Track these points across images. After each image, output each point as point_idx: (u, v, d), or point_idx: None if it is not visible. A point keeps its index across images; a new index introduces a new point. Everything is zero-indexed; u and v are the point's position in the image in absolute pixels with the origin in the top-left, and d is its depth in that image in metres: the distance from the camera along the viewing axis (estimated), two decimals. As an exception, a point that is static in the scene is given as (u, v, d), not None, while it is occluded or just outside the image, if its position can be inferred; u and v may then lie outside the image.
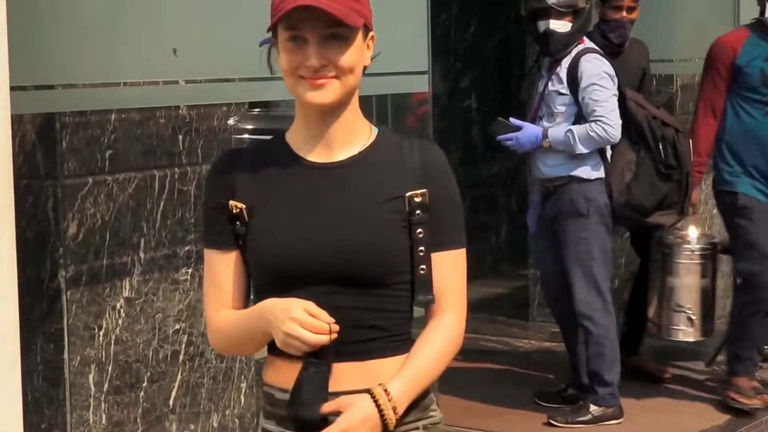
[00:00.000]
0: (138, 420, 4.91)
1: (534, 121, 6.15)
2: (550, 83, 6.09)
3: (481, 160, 9.55)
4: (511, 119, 6.11)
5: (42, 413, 4.48)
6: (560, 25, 6.02)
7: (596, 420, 6.11)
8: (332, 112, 2.67)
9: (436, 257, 2.69)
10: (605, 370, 6.11)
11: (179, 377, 5.04)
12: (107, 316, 4.81)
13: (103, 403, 4.80)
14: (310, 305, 2.57)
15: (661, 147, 6.11)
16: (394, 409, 2.60)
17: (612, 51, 6.47)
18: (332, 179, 2.70)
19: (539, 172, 6.14)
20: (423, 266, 2.67)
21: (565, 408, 6.26)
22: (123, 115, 4.79)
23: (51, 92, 4.32)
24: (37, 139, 4.41)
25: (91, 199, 4.72)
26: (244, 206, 2.71)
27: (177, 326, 5.03)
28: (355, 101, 2.73)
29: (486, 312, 8.45)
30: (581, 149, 5.92)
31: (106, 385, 4.80)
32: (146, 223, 4.91)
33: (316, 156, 2.71)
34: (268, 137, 2.87)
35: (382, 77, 5.31)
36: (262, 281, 2.72)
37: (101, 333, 4.79)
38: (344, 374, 2.64)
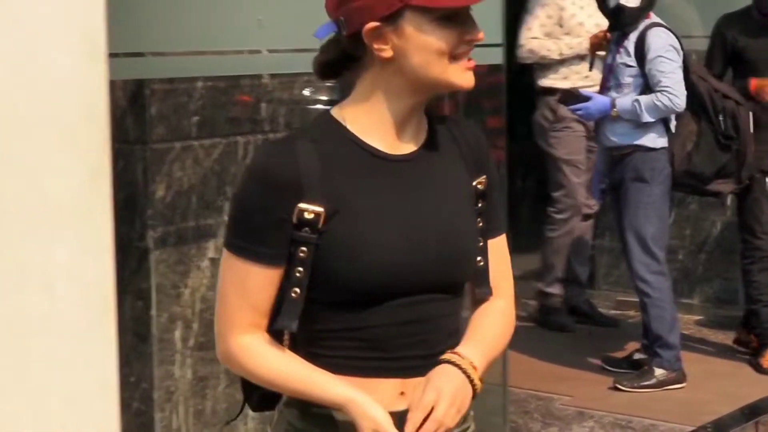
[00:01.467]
0: (221, 376, 4.99)
1: (602, 91, 6.30)
2: (618, 56, 6.23)
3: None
4: (581, 90, 6.22)
5: (131, 366, 4.57)
6: (631, 1, 6.11)
7: (661, 384, 6.17)
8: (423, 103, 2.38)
9: (495, 243, 2.46)
10: (667, 333, 6.18)
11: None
12: (193, 275, 4.91)
13: (188, 359, 4.90)
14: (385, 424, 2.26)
15: (721, 119, 6.22)
16: (479, 373, 2.32)
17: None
18: (411, 175, 2.35)
19: (607, 140, 6.25)
20: (481, 258, 2.42)
21: (631, 373, 6.31)
22: (209, 83, 4.89)
23: (141, 59, 4.41)
24: (128, 105, 4.49)
25: (178, 163, 4.81)
26: (321, 210, 2.24)
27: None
28: None
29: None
30: (647, 118, 6.03)
31: (191, 342, 4.90)
32: (230, 186, 4.98)
33: (385, 146, 2.34)
34: (312, 124, 2.47)
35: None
36: (344, 294, 2.30)
37: (187, 291, 4.89)
38: (418, 385, 2.33)
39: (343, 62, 2.32)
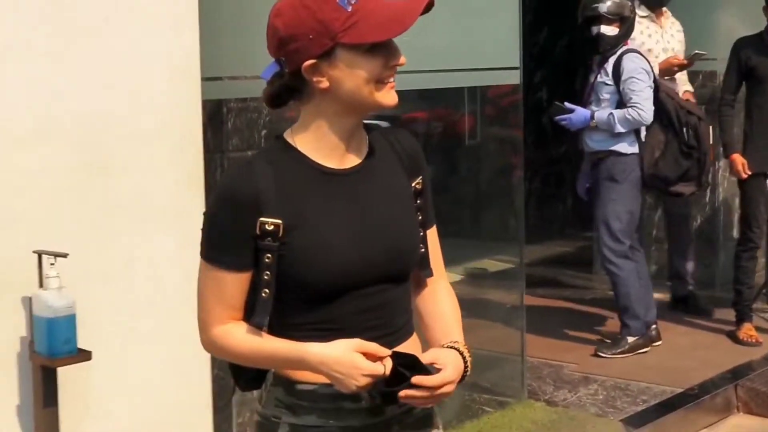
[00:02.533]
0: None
1: (585, 105, 6.45)
2: (598, 75, 6.40)
3: (550, 142, 9.67)
4: (566, 103, 6.41)
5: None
6: (609, 30, 6.34)
7: (632, 349, 6.36)
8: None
9: (430, 233, 2.49)
10: (634, 306, 6.36)
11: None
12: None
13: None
14: (365, 346, 2.22)
15: (685, 131, 6.40)
16: (469, 353, 2.37)
17: None
18: (358, 185, 2.34)
19: (587, 146, 6.46)
20: (422, 245, 2.43)
21: (607, 341, 6.50)
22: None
23: (220, 83, 4.50)
24: (209, 121, 4.59)
25: (250, 169, 4.92)
26: (279, 222, 2.23)
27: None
28: None
29: (556, 267, 8.62)
30: (619, 129, 6.24)
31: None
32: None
33: (333, 163, 2.32)
34: (267, 147, 2.54)
35: (479, 72, 5.50)
36: (310, 293, 2.29)
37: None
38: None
39: (287, 94, 2.30)
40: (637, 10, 6.77)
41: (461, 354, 2.33)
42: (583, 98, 6.56)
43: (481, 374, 5.77)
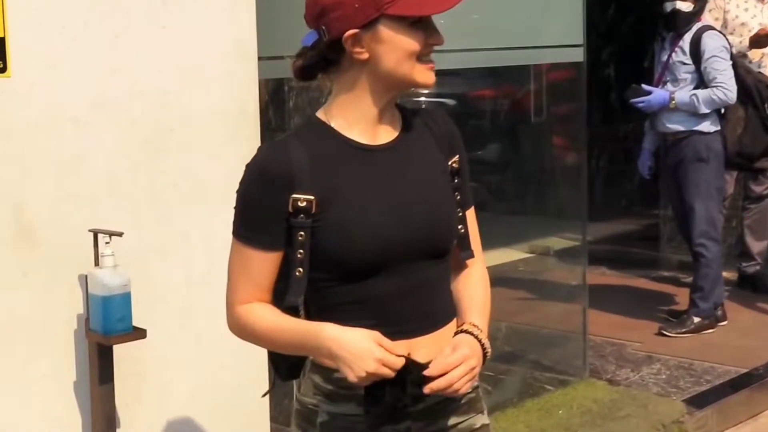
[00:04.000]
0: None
1: (658, 86, 6.29)
2: (674, 54, 6.23)
3: (618, 120, 9.52)
4: (643, 85, 6.24)
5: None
6: (685, 6, 6.14)
7: (698, 329, 6.24)
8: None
9: (468, 214, 2.41)
10: (709, 289, 6.24)
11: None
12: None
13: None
14: (381, 339, 2.14)
15: (766, 106, 6.25)
16: (487, 336, 2.31)
17: None
18: (394, 160, 2.27)
19: (664, 127, 6.26)
20: (461, 226, 2.37)
21: (673, 320, 6.37)
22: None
23: (281, 62, 4.47)
24: (271, 100, 4.56)
25: (311, 147, 4.90)
26: (312, 197, 2.17)
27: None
28: None
29: (622, 245, 8.49)
30: (704, 109, 6.08)
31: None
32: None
33: (367, 138, 2.25)
34: (300, 126, 2.44)
35: (543, 49, 5.41)
36: (347, 270, 2.21)
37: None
38: (442, 341, 2.27)
39: (319, 66, 2.25)
40: None
41: (474, 336, 2.26)
42: (655, 78, 6.41)
43: (542, 352, 5.71)
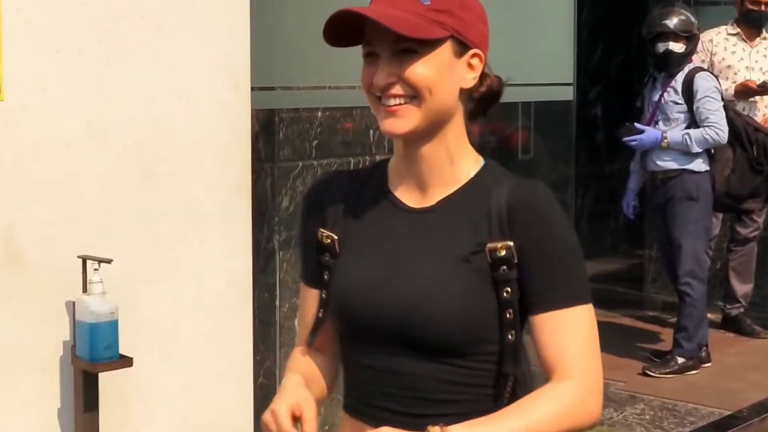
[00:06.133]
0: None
1: (650, 125, 6.29)
2: (666, 94, 6.23)
3: (603, 159, 9.54)
4: (635, 124, 6.25)
5: (257, 348, 4.61)
6: (677, 47, 6.15)
7: (681, 370, 6.20)
8: (419, 143, 1.90)
9: (544, 319, 1.85)
10: (693, 329, 6.21)
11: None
12: (310, 272, 4.96)
13: (306, 342, 4.96)
14: (295, 406, 1.86)
15: (754, 148, 6.28)
16: None
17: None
18: (418, 225, 1.93)
19: (654, 165, 6.25)
20: (512, 332, 1.86)
21: (657, 360, 6.36)
22: (327, 113, 4.94)
23: (272, 92, 4.46)
24: (261, 130, 4.55)
25: (300, 179, 4.85)
26: (335, 237, 1.96)
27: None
28: (452, 132, 1.92)
29: (607, 284, 8.48)
30: (696, 149, 6.08)
31: (308, 327, 4.96)
32: (343, 199, 5.04)
33: (410, 196, 1.94)
34: (366, 167, 2.10)
35: (533, 87, 5.42)
36: (337, 326, 1.98)
37: (305, 286, 4.95)
38: None
39: None
40: (727, 27, 6.77)
41: None
42: (646, 117, 6.42)
43: (528, 390, 5.67)
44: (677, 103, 6.16)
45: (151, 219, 3.45)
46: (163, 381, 3.54)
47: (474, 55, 1.90)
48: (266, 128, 4.59)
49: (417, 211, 1.93)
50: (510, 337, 1.86)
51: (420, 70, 1.84)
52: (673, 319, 6.61)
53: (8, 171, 3.12)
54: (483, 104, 1.97)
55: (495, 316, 1.86)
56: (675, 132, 6.11)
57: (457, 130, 1.92)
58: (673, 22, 6.15)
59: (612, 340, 6.86)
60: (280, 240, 4.77)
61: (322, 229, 1.97)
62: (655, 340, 6.93)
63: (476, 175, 1.93)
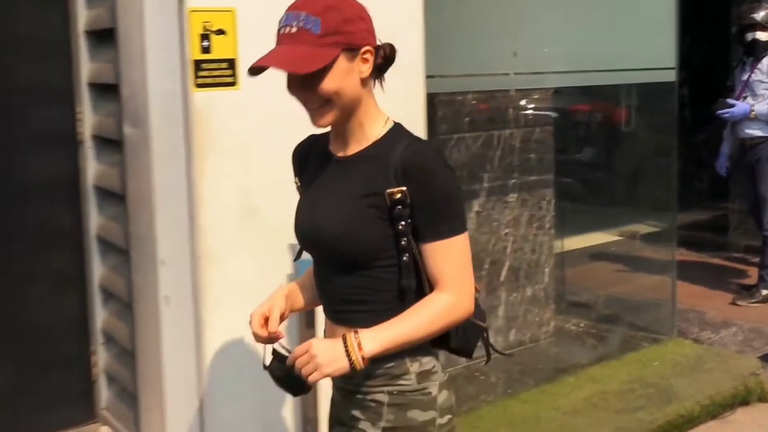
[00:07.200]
0: (482, 289, 5.06)
1: (739, 100, 6.17)
2: (753, 75, 6.12)
3: (691, 132, 9.31)
4: (728, 100, 6.17)
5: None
6: (763, 36, 6.06)
7: (765, 300, 6.08)
8: (339, 122, 2.03)
9: (428, 248, 1.98)
10: None
11: (507, 263, 5.18)
12: (465, 223, 4.98)
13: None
14: (267, 311, 2.14)
15: None
16: (362, 354, 1.93)
17: None
18: (338, 171, 2.07)
19: (743, 133, 6.18)
20: (406, 255, 1.97)
21: (744, 292, 6.22)
22: (475, 95, 4.93)
23: (433, 80, 4.47)
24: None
25: (456, 148, 4.88)
26: (298, 183, 2.20)
27: (507, 230, 5.16)
28: (362, 107, 2.03)
29: (696, 231, 8.28)
30: None
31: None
32: (489, 164, 5.04)
33: (337, 149, 2.09)
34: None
35: (640, 72, 5.32)
36: None
37: (461, 233, 4.97)
38: (337, 335, 2.01)
39: None
40: None
41: (344, 343, 1.94)
42: (736, 94, 6.31)
43: (638, 315, 5.62)
44: (763, 82, 6.15)
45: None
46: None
47: (365, 52, 2.00)
48: (428, 109, 4.61)
49: (340, 159, 2.06)
50: (405, 258, 1.98)
51: (325, 85, 1.95)
52: (756, 259, 6.47)
53: (246, 143, 3.18)
54: (383, 69, 2.08)
55: (392, 242, 1.98)
56: (761, 105, 6.05)
57: (365, 104, 2.03)
58: (759, 15, 6.08)
59: (704, 276, 6.76)
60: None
61: (295, 178, 2.19)
62: (742, 276, 6.78)
63: (383, 136, 2.04)
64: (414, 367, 2.05)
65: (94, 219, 3.66)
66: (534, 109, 5.23)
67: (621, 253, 6.35)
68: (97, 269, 3.69)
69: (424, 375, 2.06)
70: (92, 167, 3.63)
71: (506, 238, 5.11)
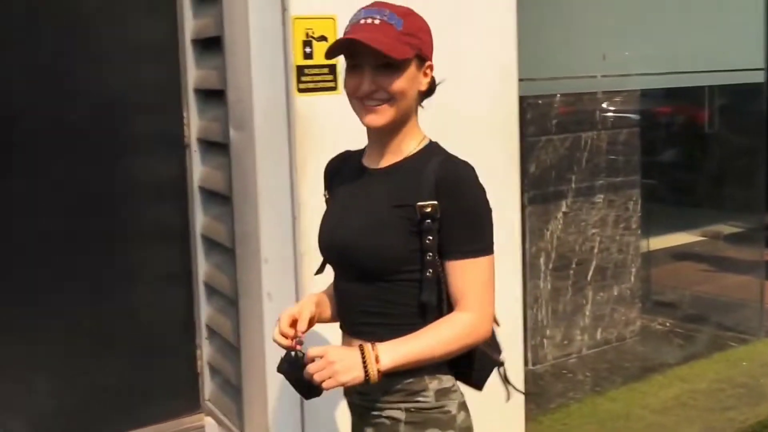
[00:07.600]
0: (569, 288, 5.08)
1: None
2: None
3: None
4: None
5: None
6: None
7: None
8: (383, 130, 2.01)
9: (453, 265, 1.94)
10: None
11: (594, 262, 5.18)
12: (552, 222, 5.00)
13: (548, 276, 5.01)
14: (297, 312, 2.07)
15: None
16: (378, 366, 1.86)
17: None
18: (370, 182, 2.04)
19: None
20: (430, 270, 1.94)
21: None
22: (562, 98, 4.94)
23: (520, 83, 4.48)
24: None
25: (544, 150, 4.90)
26: (327, 196, 2.17)
27: (593, 230, 5.16)
28: (410, 120, 2.04)
29: None
30: None
31: (550, 265, 5.01)
32: (576, 165, 5.04)
33: (371, 162, 2.07)
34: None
35: (724, 73, 5.26)
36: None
37: (548, 232, 4.98)
38: (353, 346, 1.93)
39: None
40: None
41: (362, 354, 1.87)
42: None
43: (725, 315, 5.57)
44: None
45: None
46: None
47: (428, 66, 2.03)
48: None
49: (373, 171, 2.05)
50: (428, 273, 1.95)
51: (399, 83, 1.96)
52: None
53: (345, 146, 3.21)
54: (425, 96, 2.07)
55: (417, 256, 1.94)
56: None
57: (412, 119, 2.04)
58: None
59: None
60: (529, 197, 4.82)
61: (324, 191, 2.17)
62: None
63: (418, 151, 2.02)
64: (433, 384, 2.00)
65: (200, 219, 3.77)
66: (620, 110, 5.22)
67: (707, 254, 6.28)
68: (202, 266, 3.80)
69: (443, 393, 2.00)
70: (197, 169, 3.74)
71: (593, 238, 5.12)
